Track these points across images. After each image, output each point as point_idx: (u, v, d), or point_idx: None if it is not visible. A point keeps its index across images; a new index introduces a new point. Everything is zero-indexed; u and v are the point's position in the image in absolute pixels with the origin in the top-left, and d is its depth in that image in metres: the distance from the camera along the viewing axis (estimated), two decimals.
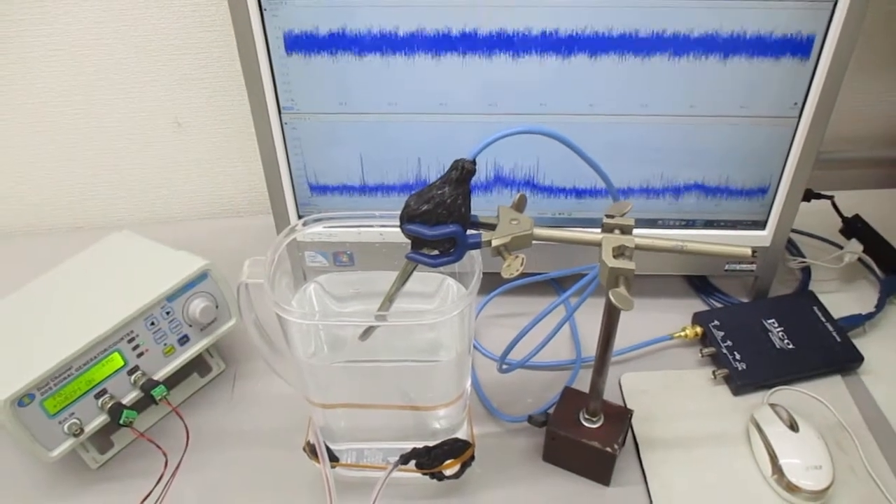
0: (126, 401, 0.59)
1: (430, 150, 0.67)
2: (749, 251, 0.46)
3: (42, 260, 0.66)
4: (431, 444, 0.55)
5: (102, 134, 0.87)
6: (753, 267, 0.72)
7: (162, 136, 0.88)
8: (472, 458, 0.57)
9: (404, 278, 0.49)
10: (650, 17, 0.58)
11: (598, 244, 0.46)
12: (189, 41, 0.81)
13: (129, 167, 0.91)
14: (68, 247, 0.68)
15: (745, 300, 0.75)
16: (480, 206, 0.59)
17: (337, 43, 0.60)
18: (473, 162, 0.45)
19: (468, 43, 0.60)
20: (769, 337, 0.68)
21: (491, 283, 0.65)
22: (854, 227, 0.80)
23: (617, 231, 0.47)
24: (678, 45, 0.59)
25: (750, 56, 0.59)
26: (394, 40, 0.60)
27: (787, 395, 0.64)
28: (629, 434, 0.61)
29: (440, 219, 0.45)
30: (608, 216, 0.48)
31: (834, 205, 0.80)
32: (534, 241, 0.47)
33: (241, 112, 0.86)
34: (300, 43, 0.61)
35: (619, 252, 0.46)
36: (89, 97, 0.84)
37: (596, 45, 0.60)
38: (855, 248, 0.77)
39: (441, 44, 0.60)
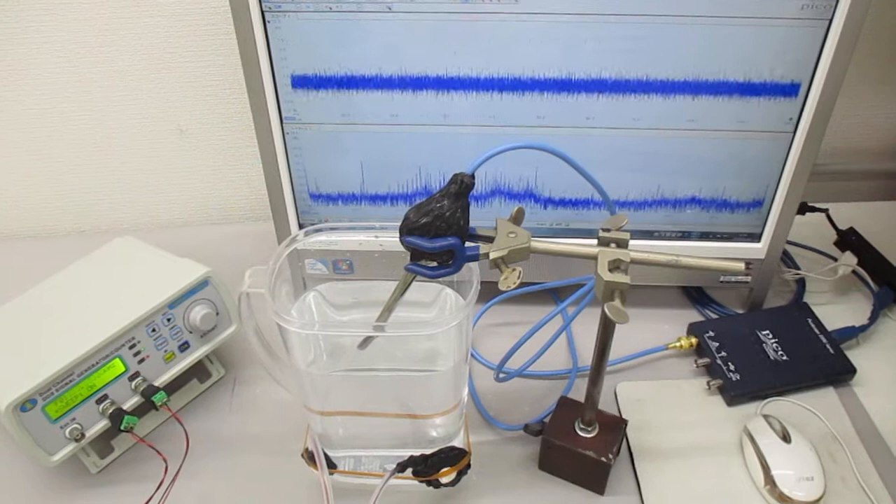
0: (127, 406, 0.60)
1: (430, 160, 0.67)
2: (742, 266, 0.47)
3: (45, 264, 0.67)
4: (428, 451, 0.55)
5: (106, 140, 0.88)
6: (748, 279, 0.72)
7: (165, 143, 0.89)
8: (469, 466, 0.57)
9: (403, 289, 0.49)
10: (646, 41, 0.59)
11: (594, 258, 0.47)
12: (192, 49, 0.82)
13: (132, 173, 0.91)
14: (71, 251, 0.69)
15: (740, 311, 0.76)
16: (479, 215, 0.60)
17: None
18: (472, 176, 0.45)
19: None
20: (763, 348, 0.68)
21: (489, 291, 0.65)
22: (848, 239, 0.80)
23: (613, 245, 0.48)
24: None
25: (746, 74, 0.60)
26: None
27: (780, 406, 0.65)
28: (624, 443, 0.62)
29: (439, 231, 0.45)
30: (604, 230, 0.49)
31: (829, 217, 0.81)
32: (531, 254, 0.48)
33: (244, 119, 0.87)
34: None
35: (615, 266, 0.46)
36: (93, 103, 0.85)
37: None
38: (849, 260, 0.78)
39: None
